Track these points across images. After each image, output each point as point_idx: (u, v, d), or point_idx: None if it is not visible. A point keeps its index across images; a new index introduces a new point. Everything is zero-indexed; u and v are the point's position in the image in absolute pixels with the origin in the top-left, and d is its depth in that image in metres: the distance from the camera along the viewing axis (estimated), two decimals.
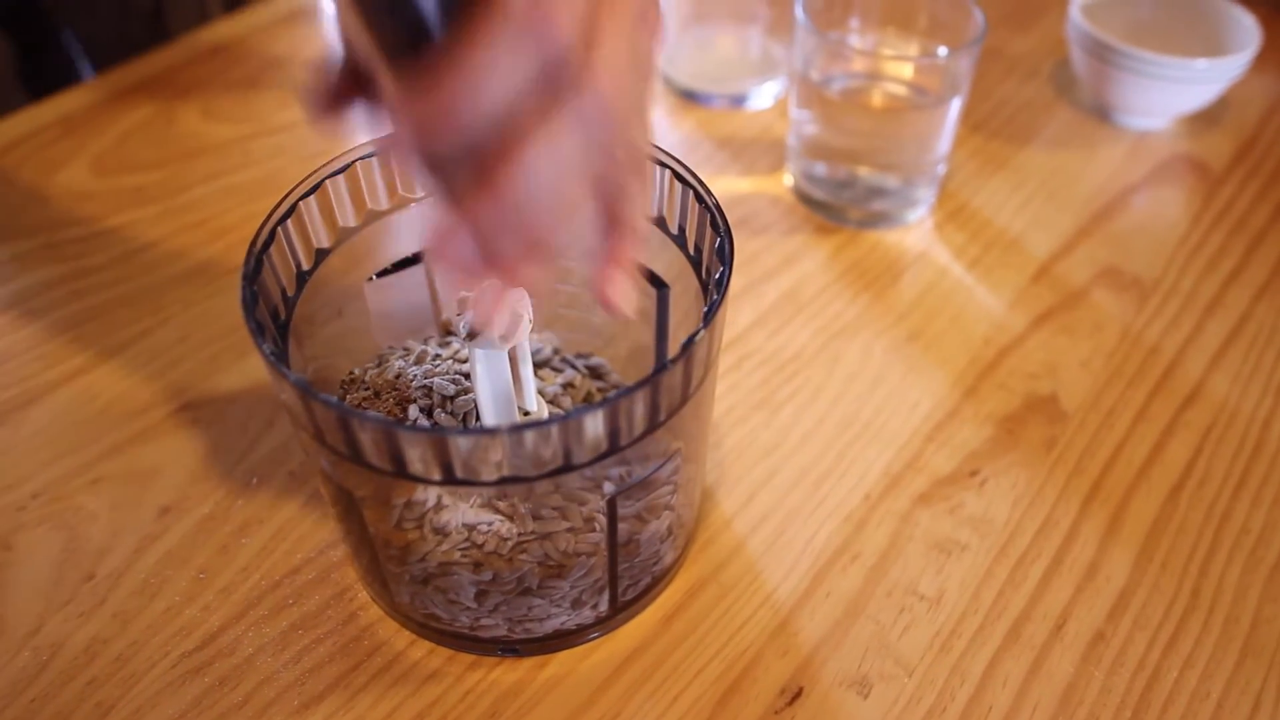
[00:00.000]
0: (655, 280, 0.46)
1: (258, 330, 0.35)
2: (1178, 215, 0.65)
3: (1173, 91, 0.68)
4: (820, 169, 0.64)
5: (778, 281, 0.59)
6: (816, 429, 0.52)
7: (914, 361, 0.55)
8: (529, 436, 0.32)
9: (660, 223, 0.44)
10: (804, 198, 0.65)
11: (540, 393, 0.46)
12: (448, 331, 0.50)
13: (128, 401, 0.53)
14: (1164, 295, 0.60)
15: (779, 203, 0.65)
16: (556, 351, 0.50)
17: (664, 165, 0.42)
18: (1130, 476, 0.50)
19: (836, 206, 0.63)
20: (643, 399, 0.34)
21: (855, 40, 0.65)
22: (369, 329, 0.48)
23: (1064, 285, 0.60)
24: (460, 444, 0.32)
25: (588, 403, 0.49)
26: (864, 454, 0.51)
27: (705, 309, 0.36)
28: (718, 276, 0.37)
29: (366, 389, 0.45)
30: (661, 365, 0.34)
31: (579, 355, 0.51)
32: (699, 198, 0.40)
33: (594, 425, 0.33)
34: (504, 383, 0.41)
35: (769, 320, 0.57)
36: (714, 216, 0.39)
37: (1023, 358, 0.56)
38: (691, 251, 0.42)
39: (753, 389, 0.53)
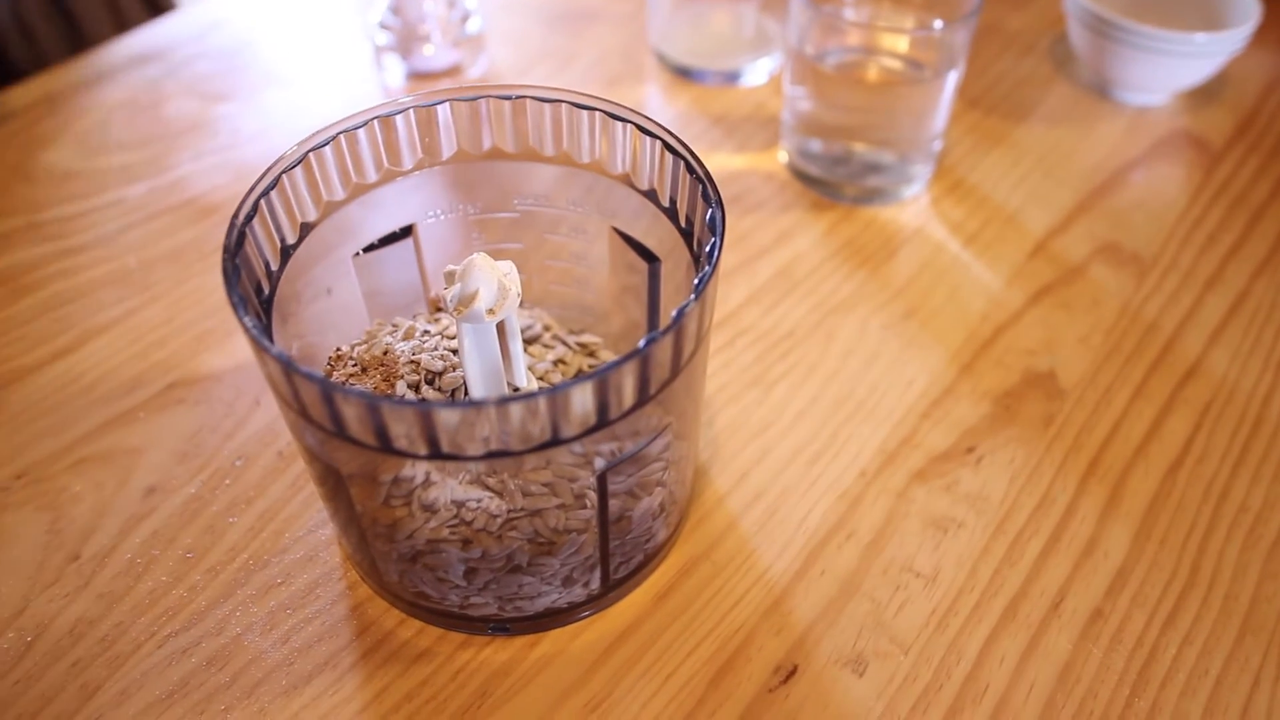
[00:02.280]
0: (646, 254, 0.45)
1: (240, 304, 0.34)
2: (1177, 191, 0.65)
3: (1172, 66, 0.67)
4: (815, 145, 0.63)
5: (772, 258, 0.59)
6: (811, 406, 0.51)
7: (910, 338, 0.54)
8: (516, 410, 0.32)
9: (651, 195, 0.43)
10: (799, 174, 0.64)
11: (530, 369, 0.46)
12: (437, 308, 0.49)
13: (113, 381, 0.52)
14: (1163, 271, 0.59)
15: (773, 179, 0.64)
16: (548, 328, 0.50)
17: (654, 137, 0.41)
18: (1128, 453, 0.50)
19: (831, 183, 0.63)
20: (632, 372, 0.33)
21: (850, 14, 0.64)
22: (357, 306, 0.47)
23: (1062, 261, 0.59)
24: (446, 418, 0.32)
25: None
26: (859, 431, 0.50)
27: (696, 281, 0.36)
28: (709, 248, 0.37)
29: (354, 365, 0.44)
30: (651, 337, 0.33)
31: (571, 332, 0.50)
32: (690, 169, 0.40)
33: (582, 399, 0.33)
34: (493, 358, 0.40)
35: (763, 297, 0.56)
36: (705, 188, 0.39)
37: (1020, 334, 0.55)
38: (683, 224, 0.41)
39: (746, 366, 0.53)
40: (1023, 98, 0.72)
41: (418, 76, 0.72)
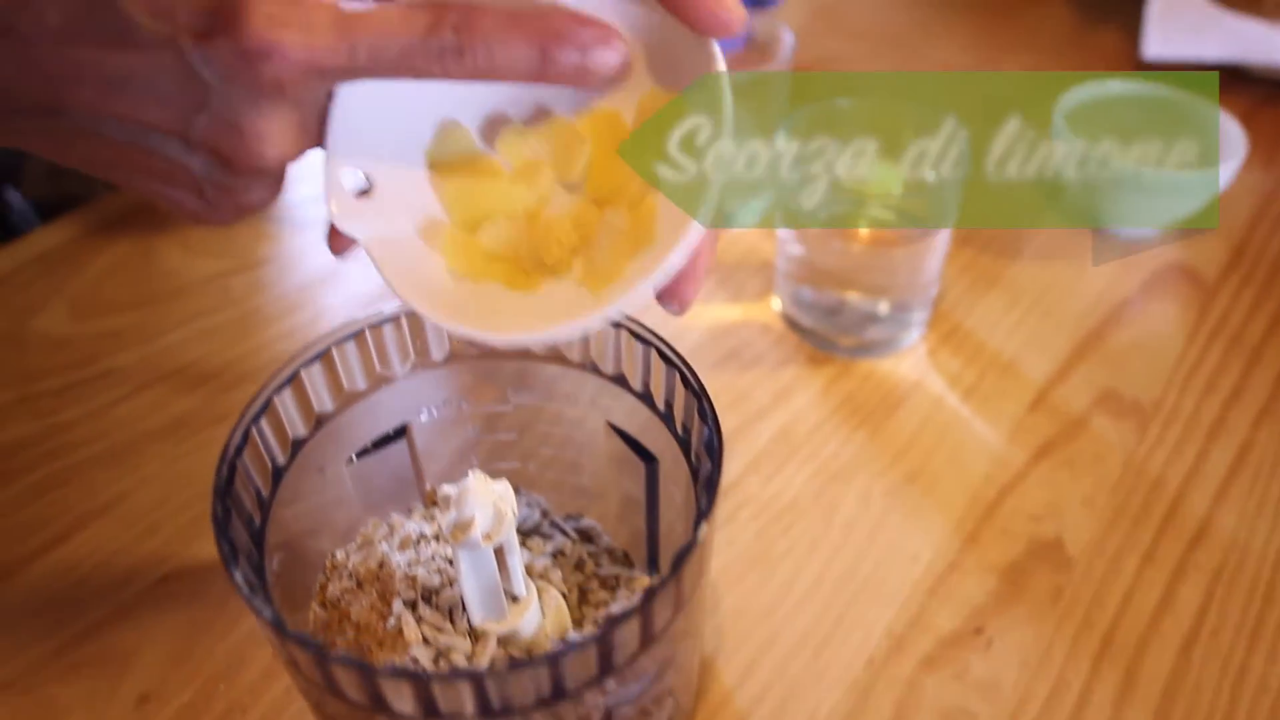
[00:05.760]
0: (643, 453, 0.44)
1: (230, 555, 0.34)
2: (1173, 330, 0.64)
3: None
4: (808, 294, 0.63)
5: (770, 420, 0.58)
6: (816, 587, 0.50)
7: (913, 506, 0.54)
8: (513, 678, 0.31)
9: (646, 398, 0.42)
10: (793, 324, 0.64)
11: (528, 567, 0.45)
12: (433, 501, 0.48)
13: (105, 574, 0.51)
14: (1164, 420, 0.59)
15: (769, 331, 0.64)
16: (545, 514, 0.49)
17: (647, 343, 0.41)
18: (1141, 628, 0.49)
19: (827, 335, 0.62)
20: (635, 622, 0.33)
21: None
22: (350, 502, 0.46)
23: (1063, 413, 0.59)
24: (442, 689, 0.31)
25: (579, 570, 0.47)
26: (865, 614, 0.49)
27: (695, 519, 0.35)
28: (707, 475, 0.36)
29: (349, 578, 0.43)
30: (650, 590, 0.32)
31: (568, 517, 0.49)
32: (685, 382, 0.39)
33: (583, 658, 0.32)
34: (490, 578, 0.39)
35: (763, 464, 0.56)
36: (701, 404, 0.38)
37: (1024, 497, 0.54)
38: (679, 431, 0.41)
39: (749, 543, 0.52)
40: (1014, 233, 0.72)
41: None
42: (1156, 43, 0.81)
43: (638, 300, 0.33)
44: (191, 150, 0.33)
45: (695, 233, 0.33)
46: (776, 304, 0.65)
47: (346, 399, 0.43)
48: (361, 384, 0.43)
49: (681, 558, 0.33)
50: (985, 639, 0.48)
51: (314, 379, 0.41)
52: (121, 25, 0.30)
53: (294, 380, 0.40)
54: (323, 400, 0.42)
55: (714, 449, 0.36)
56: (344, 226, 0.35)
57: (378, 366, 0.43)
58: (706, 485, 0.36)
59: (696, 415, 0.38)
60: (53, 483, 0.55)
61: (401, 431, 0.45)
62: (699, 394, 0.38)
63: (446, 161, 0.37)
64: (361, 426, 0.44)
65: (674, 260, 0.33)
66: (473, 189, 0.36)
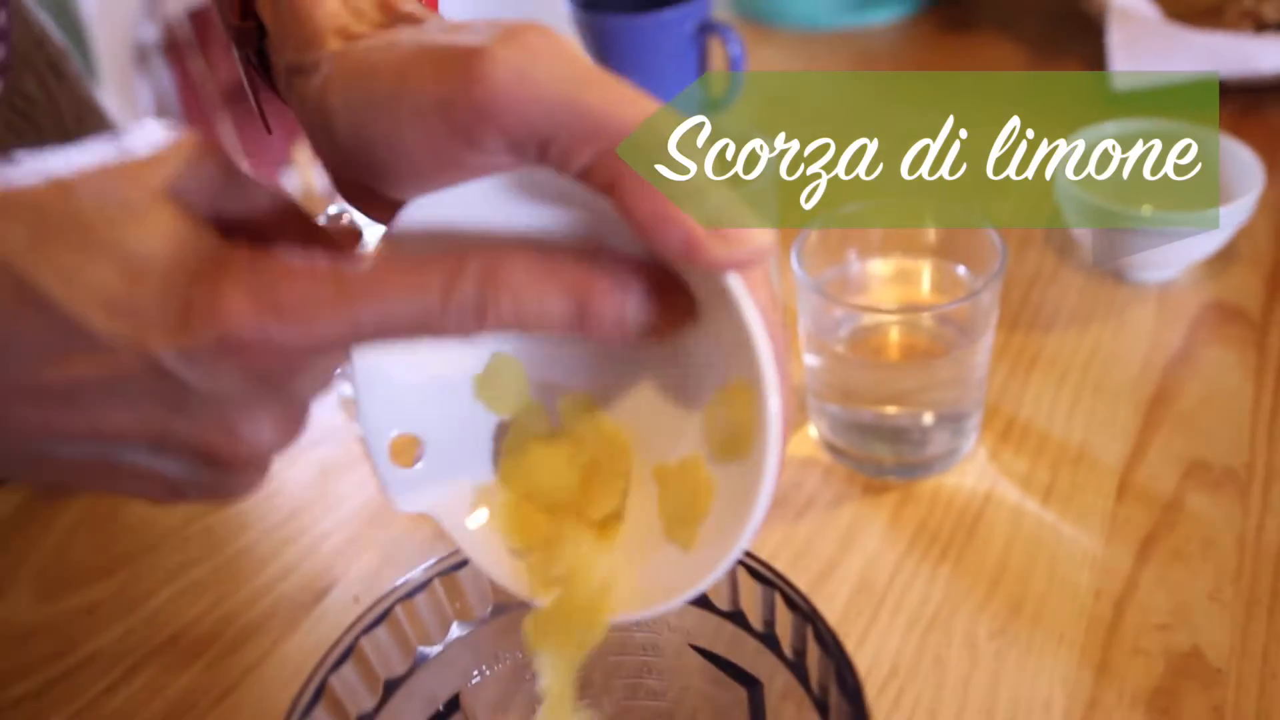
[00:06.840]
0: (742, 676, 0.38)
1: None
2: (1237, 379, 0.59)
3: (1184, 244, 0.63)
4: (844, 414, 0.57)
5: (843, 571, 0.52)
6: None
7: (1026, 643, 0.48)
8: None
9: (737, 617, 0.36)
10: (835, 451, 0.58)
11: None
12: None
13: None
14: (1263, 485, 0.53)
15: (813, 465, 0.58)
16: None
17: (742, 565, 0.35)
18: None
19: (877, 458, 0.56)
20: None
21: (855, 269, 0.58)
22: None
23: (1153, 498, 0.53)
24: None
25: None
26: None
27: None
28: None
29: None
30: None
31: None
32: (790, 602, 0.33)
33: None
34: None
35: (850, 626, 0.49)
36: (816, 628, 0.32)
37: (1144, 606, 0.48)
38: (789, 655, 0.35)
39: None
40: (1041, 300, 0.67)
41: None
42: (1125, 72, 0.78)
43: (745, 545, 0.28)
44: (166, 455, 0.27)
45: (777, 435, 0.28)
46: (813, 431, 0.59)
47: (386, 688, 0.36)
48: (400, 668, 0.36)
49: None
50: None
51: (345, 680, 0.34)
52: (64, 331, 0.24)
53: (324, 690, 0.33)
54: (359, 700, 0.35)
55: (850, 687, 0.30)
56: (406, 507, 0.31)
57: (415, 643, 0.36)
58: None
59: (812, 639, 0.32)
60: None
61: (454, 705, 0.38)
62: (810, 616, 0.32)
63: (494, 393, 0.32)
64: (406, 713, 0.37)
65: (769, 487, 0.28)
66: (526, 463, 0.31)
